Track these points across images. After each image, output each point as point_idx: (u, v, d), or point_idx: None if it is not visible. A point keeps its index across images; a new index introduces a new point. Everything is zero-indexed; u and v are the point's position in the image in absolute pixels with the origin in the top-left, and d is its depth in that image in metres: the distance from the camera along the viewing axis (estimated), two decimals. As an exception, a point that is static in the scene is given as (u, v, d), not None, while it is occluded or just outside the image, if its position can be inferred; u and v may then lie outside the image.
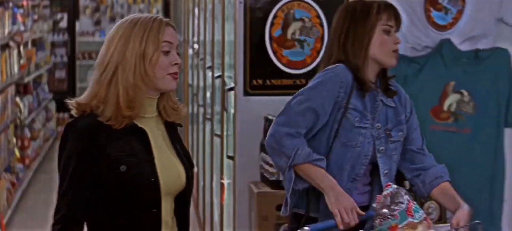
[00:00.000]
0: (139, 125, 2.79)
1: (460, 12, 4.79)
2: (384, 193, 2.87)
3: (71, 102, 2.83)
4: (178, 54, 2.84)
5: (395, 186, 2.88)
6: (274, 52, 4.86)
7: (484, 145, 4.77)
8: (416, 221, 2.81)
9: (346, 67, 3.39)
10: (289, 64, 4.77)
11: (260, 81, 4.91)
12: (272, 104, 4.71)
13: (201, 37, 7.67)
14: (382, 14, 3.42)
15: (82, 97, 2.82)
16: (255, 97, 4.95)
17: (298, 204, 3.45)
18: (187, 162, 2.88)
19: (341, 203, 3.23)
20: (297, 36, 4.79)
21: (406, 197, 2.85)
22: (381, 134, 3.43)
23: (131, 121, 2.77)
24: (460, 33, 4.77)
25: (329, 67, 3.42)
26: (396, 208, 2.81)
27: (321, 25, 4.78)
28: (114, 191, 2.75)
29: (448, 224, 3.17)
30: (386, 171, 3.44)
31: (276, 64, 4.88)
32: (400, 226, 2.79)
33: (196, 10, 8.23)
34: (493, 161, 4.78)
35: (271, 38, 4.87)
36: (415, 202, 2.87)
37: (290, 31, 4.80)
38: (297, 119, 3.36)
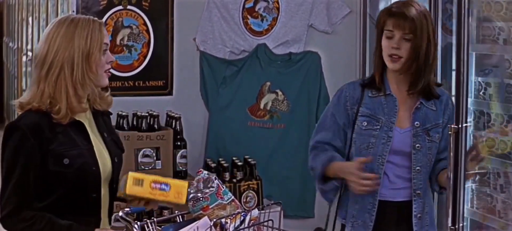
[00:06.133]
0: (76, 118, 2.97)
1: (275, 19, 5.17)
2: (197, 178, 3.09)
3: (14, 103, 3.01)
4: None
5: (206, 172, 3.12)
6: (104, 57, 5.01)
7: (297, 139, 5.18)
8: (225, 202, 3.08)
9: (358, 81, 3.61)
10: (118, 68, 4.89)
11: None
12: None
13: (35, 46, 7.76)
14: (387, 21, 3.47)
15: (25, 97, 2.98)
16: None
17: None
18: (115, 148, 3.09)
19: (345, 174, 3.45)
20: (125, 42, 4.93)
21: (217, 181, 3.10)
22: (419, 132, 3.50)
23: (73, 116, 2.95)
24: (274, 38, 5.16)
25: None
26: (207, 191, 3.06)
27: (148, 31, 4.96)
28: (59, 180, 2.92)
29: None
30: (418, 168, 3.50)
31: (106, 68, 5.03)
32: (210, 206, 3.05)
33: (30, 19, 8.28)
34: (305, 153, 5.16)
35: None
36: (224, 186, 3.15)
37: (119, 38, 4.92)
38: (319, 135, 3.62)
